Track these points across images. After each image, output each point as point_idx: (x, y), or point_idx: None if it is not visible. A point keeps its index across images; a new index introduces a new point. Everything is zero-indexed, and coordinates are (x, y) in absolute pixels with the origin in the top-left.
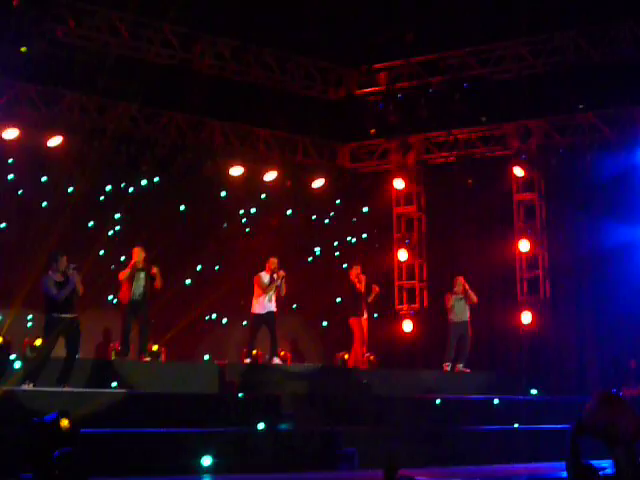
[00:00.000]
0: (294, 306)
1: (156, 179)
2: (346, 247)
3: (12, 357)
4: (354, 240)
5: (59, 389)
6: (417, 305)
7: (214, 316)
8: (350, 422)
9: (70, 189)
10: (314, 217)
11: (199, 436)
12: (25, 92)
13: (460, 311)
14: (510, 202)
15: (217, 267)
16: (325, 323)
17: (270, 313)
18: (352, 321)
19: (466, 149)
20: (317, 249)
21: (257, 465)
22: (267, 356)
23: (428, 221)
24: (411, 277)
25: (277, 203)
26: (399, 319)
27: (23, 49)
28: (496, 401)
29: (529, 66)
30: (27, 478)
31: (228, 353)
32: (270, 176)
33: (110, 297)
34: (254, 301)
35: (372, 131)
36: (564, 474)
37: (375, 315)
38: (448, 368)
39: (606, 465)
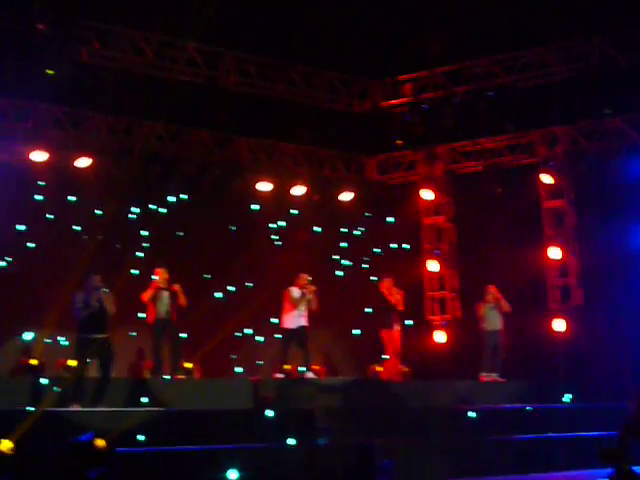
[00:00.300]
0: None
1: (184, 196)
2: (376, 259)
3: (43, 381)
4: (384, 252)
5: (94, 409)
6: (448, 315)
7: (248, 331)
8: (385, 434)
9: (99, 209)
10: (343, 230)
11: (233, 452)
12: (52, 114)
13: (492, 320)
14: (539, 210)
15: (249, 283)
16: (358, 331)
17: (302, 328)
18: (384, 333)
19: (493, 158)
20: (347, 262)
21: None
22: (300, 370)
23: (457, 231)
24: (442, 287)
25: (306, 217)
26: (431, 330)
27: (49, 71)
28: (528, 408)
29: (555, 73)
30: None
31: (261, 368)
32: (298, 191)
33: (142, 315)
34: (284, 316)
35: (399, 142)
36: None
37: (410, 322)
38: (486, 378)
39: None
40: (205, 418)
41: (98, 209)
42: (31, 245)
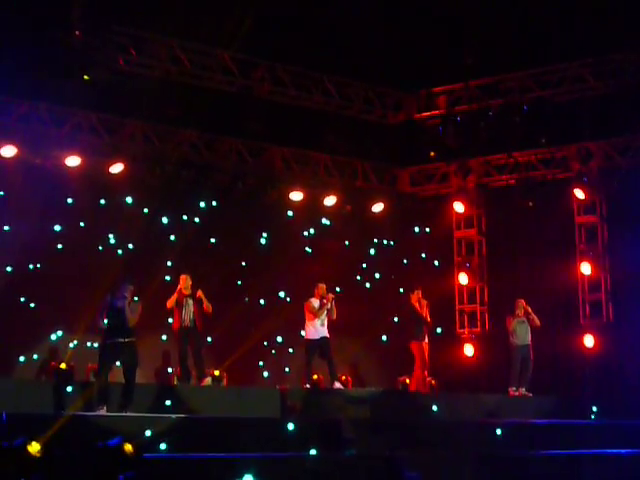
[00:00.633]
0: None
1: (214, 203)
2: (406, 271)
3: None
4: (414, 264)
5: (122, 414)
6: (478, 329)
7: (280, 339)
8: (412, 446)
9: (132, 215)
10: (375, 241)
11: (260, 461)
12: (87, 120)
13: (522, 334)
14: (571, 224)
15: (279, 292)
16: (384, 337)
17: (324, 339)
18: (413, 345)
19: (526, 172)
20: (377, 273)
21: None
22: (328, 381)
23: (489, 244)
24: (472, 301)
25: (337, 228)
26: (460, 343)
27: (86, 78)
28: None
29: (589, 88)
30: None
31: (289, 378)
32: (330, 201)
33: (170, 320)
34: (307, 327)
35: (432, 153)
36: None
37: (439, 330)
38: (514, 392)
39: None
40: (232, 426)
41: (130, 215)
42: (61, 247)
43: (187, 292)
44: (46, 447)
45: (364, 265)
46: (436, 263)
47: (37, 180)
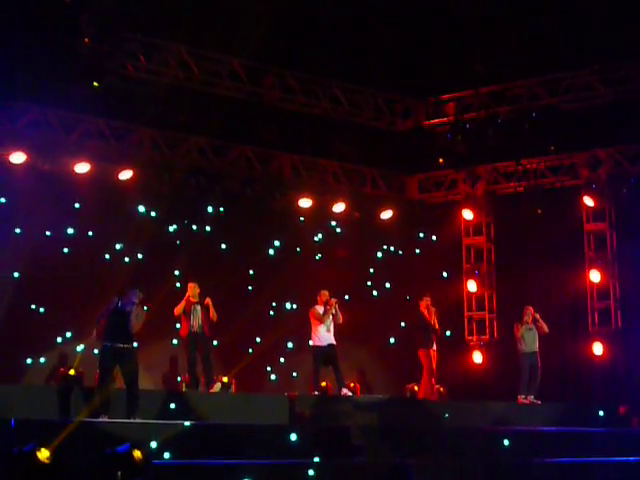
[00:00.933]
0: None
1: (223, 210)
2: (415, 278)
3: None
4: (423, 271)
5: (131, 420)
6: (487, 336)
7: (290, 345)
8: (420, 454)
9: (140, 221)
10: (383, 248)
11: (268, 467)
12: (96, 127)
13: (530, 341)
14: (580, 232)
15: (287, 299)
16: (392, 340)
17: (331, 346)
18: (421, 352)
19: (535, 179)
20: (385, 280)
21: None
22: (336, 388)
23: (497, 252)
24: (481, 308)
25: (346, 235)
26: (469, 350)
27: (95, 84)
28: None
29: (598, 95)
30: None
31: (298, 384)
32: (339, 208)
33: (178, 325)
34: (313, 334)
35: (440, 160)
36: None
37: (448, 333)
38: (523, 400)
39: None
40: (241, 432)
41: (139, 221)
42: (70, 253)
43: (195, 300)
44: (55, 453)
45: (372, 272)
46: (444, 274)
47: (46, 186)
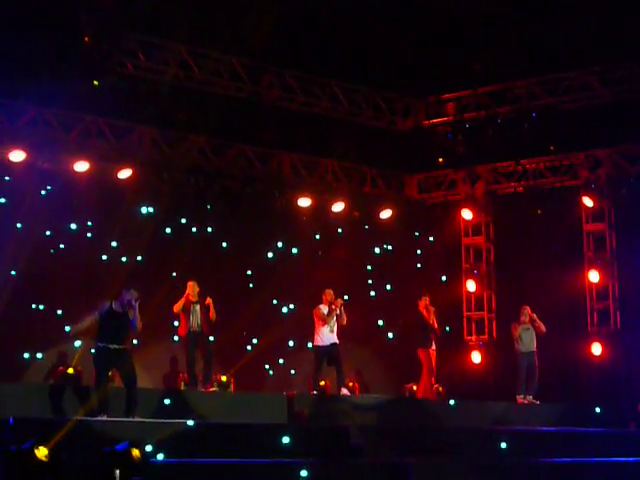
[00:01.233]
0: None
1: (222, 209)
2: (414, 277)
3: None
4: (422, 270)
5: (130, 419)
6: (486, 336)
7: (291, 344)
8: (419, 453)
9: (140, 220)
10: (383, 247)
11: (266, 467)
12: (96, 125)
13: (527, 341)
14: (579, 232)
15: (286, 298)
16: (390, 335)
17: (334, 345)
18: (420, 352)
19: (535, 179)
20: (384, 279)
21: None
22: (336, 387)
23: (497, 252)
24: (480, 308)
25: (345, 234)
26: (468, 350)
27: (95, 83)
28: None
29: (598, 95)
30: None
31: (297, 384)
32: (338, 207)
33: (176, 323)
34: (316, 334)
35: (440, 160)
36: None
37: (447, 329)
38: (522, 400)
39: None
40: (239, 432)
41: (138, 220)
42: (69, 252)
43: (194, 299)
44: (53, 452)
45: (371, 272)
46: (444, 278)
47: (45, 185)
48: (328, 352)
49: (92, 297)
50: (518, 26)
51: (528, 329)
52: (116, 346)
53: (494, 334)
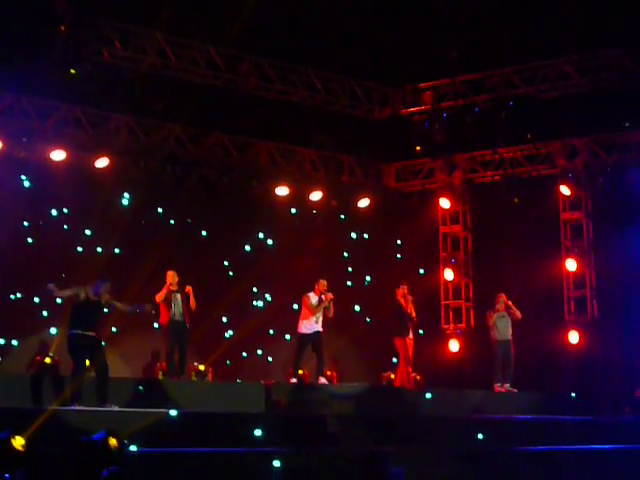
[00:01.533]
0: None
1: (199, 198)
2: (391, 266)
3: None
4: (398, 258)
5: (106, 408)
6: (463, 325)
7: (270, 332)
8: (396, 442)
9: (117, 209)
10: (360, 236)
11: (243, 455)
12: (72, 114)
13: (503, 329)
14: (557, 221)
15: (266, 286)
16: (368, 319)
17: (317, 333)
18: (398, 341)
19: (512, 168)
20: (362, 268)
21: None
22: (314, 375)
23: (474, 240)
24: (457, 296)
25: (322, 223)
26: (445, 338)
27: (72, 71)
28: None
29: (575, 84)
30: None
31: (275, 372)
32: (316, 196)
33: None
34: (301, 321)
35: (418, 148)
36: None
37: (421, 332)
38: (499, 388)
39: None
40: (215, 421)
41: (115, 209)
42: (43, 241)
43: (174, 288)
44: (30, 441)
45: (349, 260)
46: (421, 271)
47: (22, 174)
48: (311, 340)
49: (69, 286)
50: (495, 15)
51: (503, 317)
52: (91, 333)
53: (472, 323)
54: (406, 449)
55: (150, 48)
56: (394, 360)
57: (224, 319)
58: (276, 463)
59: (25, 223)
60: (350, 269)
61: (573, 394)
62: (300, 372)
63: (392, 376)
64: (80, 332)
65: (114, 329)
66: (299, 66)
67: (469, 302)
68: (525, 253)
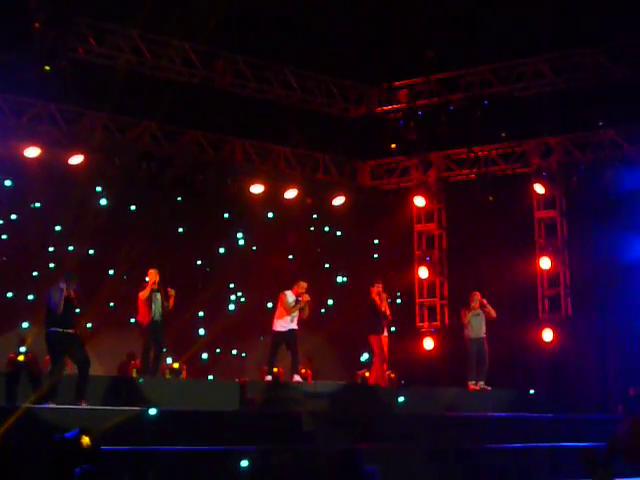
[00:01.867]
0: None
1: (176, 195)
2: (366, 265)
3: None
4: (374, 258)
5: (79, 406)
6: (438, 323)
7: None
8: (371, 440)
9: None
10: (335, 234)
11: (218, 454)
12: (46, 110)
13: (477, 327)
14: (531, 219)
15: (241, 284)
16: (330, 302)
17: (292, 331)
18: (372, 339)
19: (487, 166)
20: (336, 266)
21: None
22: (289, 374)
23: (449, 238)
24: (432, 294)
25: (297, 221)
26: (420, 336)
27: (47, 68)
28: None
29: (549, 83)
30: None
31: (249, 370)
32: (291, 194)
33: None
34: (276, 319)
35: (393, 145)
36: None
37: (393, 329)
38: (474, 386)
39: None
40: (191, 418)
41: (90, 206)
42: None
43: (156, 287)
44: (3, 439)
45: (323, 258)
46: (396, 262)
47: None
48: (286, 338)
49: (43, 282)
50: (471, 13)
51: (478, 315)
52: (70, 331)
53: (446, 321)
54: (380, 447)
55: (125, 45)
56: (363, 358)
57: (199, 315)
58: (244, 463)
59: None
60: (324, 267)
61: (532, 391)
62: (275, 370)
63: (367, 374)
64: (60, 330)
65: (89, 325)
66: (275, 64)
67: (443, 300)
68: (500, 251)
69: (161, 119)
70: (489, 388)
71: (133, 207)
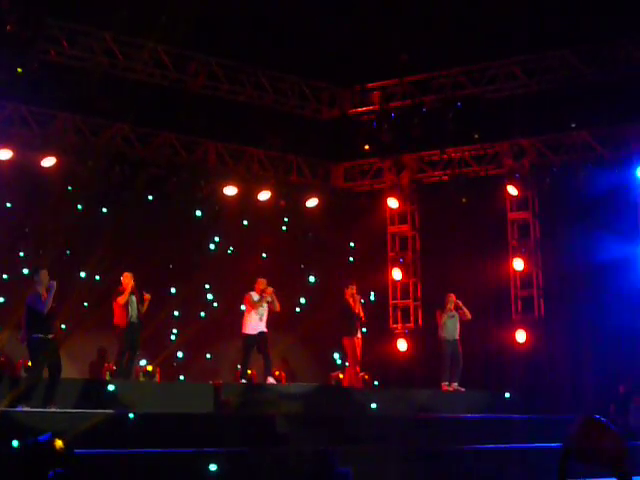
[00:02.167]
0: None
1: (150, 197)
2: (340, 266)
3: None
4: (348, 259)
5: (52, 410)
6: (411, 324)
7: (217, 333)
8: (344, 441)
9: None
10: (308, 236)
11: (191, 456)
12: (18, 113)
13: (451, 329)
14: (504, 221)
15: (214, 286)
16: (303, 300)
17: (261, 334)
18: (346, 341)
19: (460, 168)
20: (310, 268)
21: None
22: (262, 376)
23: (422, 240)
24: (405, 296)
25: (271, 223)
26: (393, 338)
27: (19, 70)
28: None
29: (522, 85)
30: None
31: (223, 373)
32: (264, 196)
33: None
34: (245, 321)
35: (366, 147)
36: None
37: (364, 330)
38: (447, 387)
39: None
40: (164, 421)
41: (62, 208)
42: None
43: (131, 290)
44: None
45: (296, 260)
46: (370, 263)
47: None
48: (257, 341)
49: (13, 285)
50: (444, 15)
51: (453, 316)
52: (51, 335)
53: (420, 322)
54: (354, 448)
55: (98, 47)
56: (337, 359)
57: (173, 316)
58: (212, 467)
59: None
60: (298, 268)
61: (507, 394)
62: (249, 372)
63: (341, 376)
64: (42, 336)
65: (63, 326)
66: (247, 66)
67: (417, 301)
68: (473, 253)
69: (134, 121)
70: (463, 389)
71: (105, 209)
